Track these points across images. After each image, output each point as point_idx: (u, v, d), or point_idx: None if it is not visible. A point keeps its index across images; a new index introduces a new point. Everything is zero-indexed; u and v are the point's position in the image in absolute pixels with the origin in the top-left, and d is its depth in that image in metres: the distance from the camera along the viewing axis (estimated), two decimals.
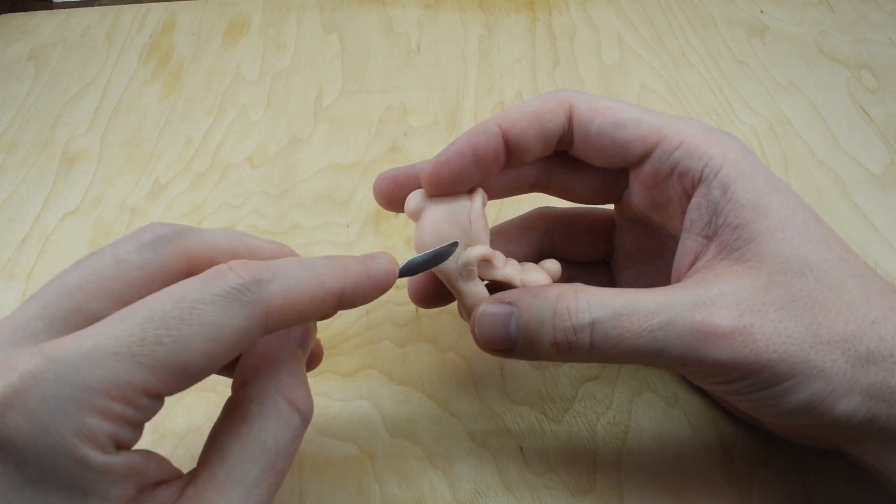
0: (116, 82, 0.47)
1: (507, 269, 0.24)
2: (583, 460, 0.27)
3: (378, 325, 0.32)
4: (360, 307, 0.33)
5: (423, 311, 0.33)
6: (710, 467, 0.27)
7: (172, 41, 0.50)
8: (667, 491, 0.26)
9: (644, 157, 0.24)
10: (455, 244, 0.24)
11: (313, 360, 0.26)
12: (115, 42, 0.50)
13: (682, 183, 0.23)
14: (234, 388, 0.21)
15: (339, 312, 0.33)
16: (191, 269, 0.19)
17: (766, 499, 0.26)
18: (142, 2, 0.54)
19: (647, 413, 0.29)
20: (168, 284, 0.18)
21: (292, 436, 0.20)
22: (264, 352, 0.21)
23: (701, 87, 0.44)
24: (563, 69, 0.46)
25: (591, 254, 0.30)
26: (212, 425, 0.20)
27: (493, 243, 0.27)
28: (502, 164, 0.24)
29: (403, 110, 0.44)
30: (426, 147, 0.41)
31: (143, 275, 0.19)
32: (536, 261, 0.27)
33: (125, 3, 0.54)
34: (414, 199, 0.25)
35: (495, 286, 0.25)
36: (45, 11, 0.54)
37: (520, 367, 0.30)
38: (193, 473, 0.19)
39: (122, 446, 0.17)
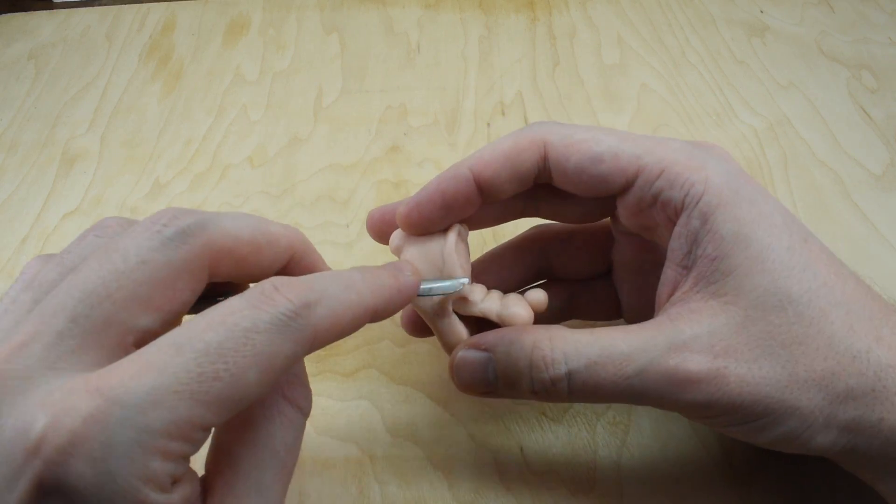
0: (116, 82, 0.47)
1: (486, 302, 0.24)
2: (583, 460, 0.27)
3: (378, 325, 0.32)
4: None
5: None
6: (710, 467, 0.27)
7: (172, 41, 0.50)
8: (667, 491, 0.26)
9: (627, 188, 0.23)
10: (463, 281, 0.24)
11: None
12: (115, 42, 0.50)
13: (666, 212, 0.22)
14: None
15: None
16: (213, 263, 0.19)
17: (766, 499, 0.26)
18: (142, 2, 0.54)
19: (647, 413, 0.29)
20: (192, 281, 0.18)
21: (297, 434, 0.20)
22: None
23: (701, 87, 0.44)
24: (563, 69, 0.46)
25: (591, 269, 0.29)
26: None
27: (488, 269, 0.28)
28: (476, 205, 0.24)
29: (403, 110, 0.44)
30: (426, 147, 0.41)
31: (169, 274, 0.18)
32: (534, 282, 0.27)
33: (125, 3, 0.54)
34: (394, 238, 0.26)
35: (477, 320, 0.25)
36: (45, 11, 0.54)
37: None
38: (207, 485, 0.18)
39: (176, 481, 0.16)
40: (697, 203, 0.21)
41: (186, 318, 0.18)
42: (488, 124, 0.42)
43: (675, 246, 0.22)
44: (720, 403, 0.20)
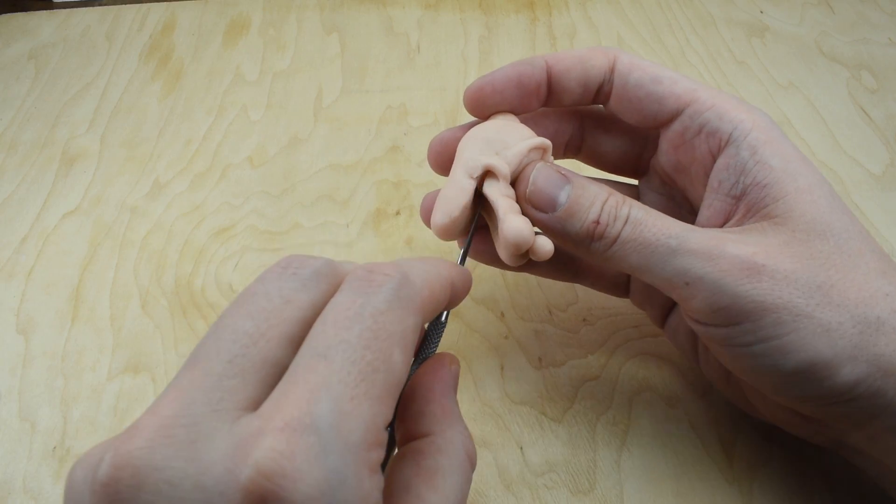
0: (116, 82, 0.47)
1: (503, 200, 0.24)
2: (583, 460, 0.27)
3: None
4: None
5: None
6: (710, 467, 0.27)
7: (172, 41, 0.50)
8: (667, 491, 0.26)
9: (675, 115, 0.24)
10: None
11: (455, 383, 0.23)
12: (115, 42, 0.50)
13: (709, 143, 0.23)
14: (408, 434, 0.20)
15: None
16: None
17: (766, 499, 0.26)
18: (142, 2, 0.54)
19: (647, 413, 0.29)
20: None
21: (468, 488, 0.20)
22: (437, 397, 0.20)
23: None
24: None
25: (617, 161, 0.29)
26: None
27: (527, 120, 0.27)
28: (543, 98, 0.25)
29: (403, 110, 0.44)
30: (426, 147, 0.41)
31: (314, 314, 0.17)
32: (561, 152, 0.27)
33: (125, 3, 0.54)
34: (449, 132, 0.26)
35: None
36: (45, 11, 0.54)
37: (520, 367, 0.30)
38: None
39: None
40: (747, 136, 0.22)
41: None
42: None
43: (723, 177, 0.23)
44: (748, 298, 0.20)
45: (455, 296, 0.21)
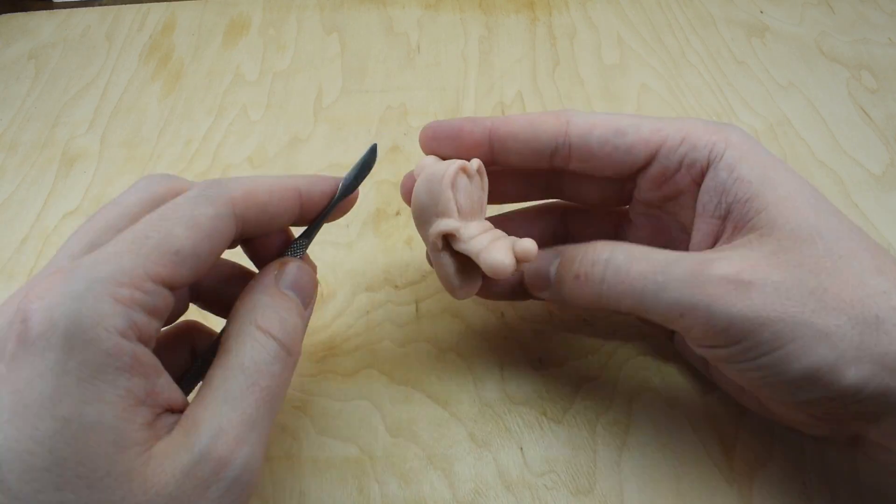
0: (116, 82, 0.47)
1: (472, 242, 0.24)
2: (583, 460, 0.27)
3: (378, 325, 0.32)
4: (361, 307, 0.33)
5: (423, 310, 0.33)
6: (710, 467, 0.27)
7: (172, 41, 0.50)
8: (667, 491, 0.26)
9: (650, 160, 0.24)
10: (373, 147, 0.26)
11: (306, 295, 0.24)
12: (115, 42, 0.50)
13: (691, 174, 0.24)
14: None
15: (339, 313, 0.33)
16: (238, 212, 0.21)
17: (766, 499, 0.26)
18: (142, 2, 0.54)
19: (647, 413, 0.29)
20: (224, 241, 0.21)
21: (271, 357, 0.20)
22: (245, 294, 0.22)
23: (701, 88, 0.44)
24: (563, 69, 0.46)
25: (600, 199, 0.29)
26: None
27: (506, 225, 0.28)
28: (485, 154, 0.26)
29: (403, 110, 0.44)
30: None
31: (222, 240, 0.21)
32: (551, 243, 0.27)
33: (125, 3, 0.54)
34: (426, 158, 0.27)
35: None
36: (45, 11, 0.54)
37: (520, 367, 0.30)
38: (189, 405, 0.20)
39: (142, 339, 0.18)
40: (722, 157, 0.23)
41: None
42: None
43: (706, 200, 0.23)
44: (742, 317, 0.20)
45: (308, 196, 0.24)
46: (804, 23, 0.49)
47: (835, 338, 0.20)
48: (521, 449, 0.28)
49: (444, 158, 0.26)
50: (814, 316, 0.20)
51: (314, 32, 0.50)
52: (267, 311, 0.22)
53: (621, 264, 0.22)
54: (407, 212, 0.37)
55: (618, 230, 0.30)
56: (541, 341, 0.31)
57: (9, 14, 0.53)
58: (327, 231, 0.37)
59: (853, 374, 0.20)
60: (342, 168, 0.40)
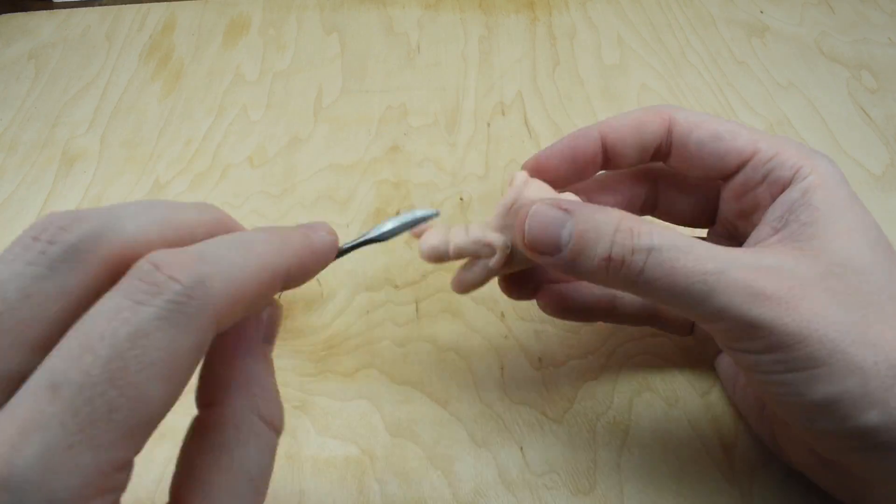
0: (116, 82, 0.47)
1: (452, 242, 0.24)
2: (583, 460, 0.27)
3: (378, 325, 0.32)
4: (361, 307, 0.33)
5: (423, 310, 0.33)
6: (710, 467, 0.27)
7: (172, 41, 0.50)
8: (667, 491, 0.26)
9: (738, 168, 0.24)
10: (436, 213, 0.24)
11: (271, 333, 0.20)
12: (115, 42, 0.50)
13: (772, 190, 0.24)
14: (200, 403, 0.18)
15: (339, 313, 0.33)
16: (118, 279, 0.15)
17: (766, 499, 0.26)
18: (142, 2, 0.54)
19: (647, 413, 0.29)
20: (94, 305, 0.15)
21: (272, 456, 0.18)
22: (230, 359, 0.18)
23: (701, 87, 0.44)
24: (563, 69, 0.46)
25: (692, 215, 0.29)
26: None
27: (596, 190, 0.28)
28: (598, 166, 0.26)
29: (403, 110, 0.44)
30: (426, 147, 0.41)
31: (64, 307, 0.14)
32: (637, 212, 0.27)
33: (125, 3, 0.54)
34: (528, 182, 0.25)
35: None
36: (45, 11, 0.54)
37: (520, 367, 0.30)
38: None
39: None
40: (804, 180, 0.23)
41: None
42: (488, 124, 0.42)
43: (772, 210, 0.23)
44: (785, 329, 0.19)
45: (294, 279, 0.18)
46: (804, 23, 0.49)
47: (867, 374, 0.19)
48: (521, 449, 0.28)
49: (558, 178, 0.26)
50: (852, 347, 0.19)
51: (314, 32, 0.50)
52: (266, 392, 0.18)
53: (665, 258, 0.20)
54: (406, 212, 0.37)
55: (710, 201, 0.28)
56: (541, 341, 0.31)
57: (9, 14, 0.53)
58: None
59: (874, 416, 0.19)
60: (342, 168, 0.40)
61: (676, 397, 0.29)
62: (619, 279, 0.21)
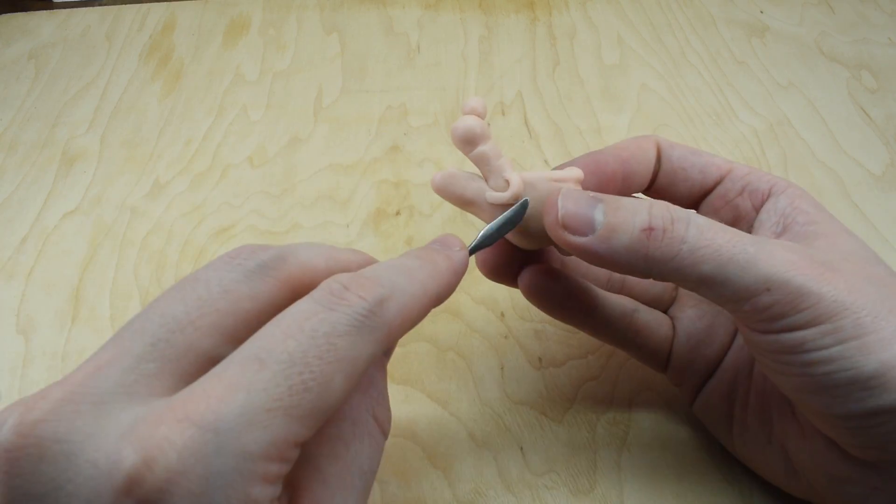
0: (116, 82, 0.47)
1: (480, 146, 0.23)
2: (583, 460, 0.27)
3: None
4: None
5: None
6: (710, 467, 0.27)
7: (172, 41, 0.50)
8: (667, 491, 0.26)
9: (719, 181, 0.26)
10: (525, 202, 0.23)
11: (390, 346, 0.23)
12: (115, 42, 0.50)
13: (752, 199, 0.25)
14: None
15: None
16: (294, 297, 0.18)
17: (766, 499, 0.26)
18: (142, 2, 0.54)
19: (647, 413, 0.29)
20: (275, 315, 0.17)
21: (380, 455, 0.19)
22: None
23: (701, 87, 0.44)
24: (563, 69, 0.46)
25: (654, 293, 0.29)
26: None
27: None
28: (619, 185, 0.26)
29: (403, 110, 0.44)
30: (426, 147, 0.41)
31: (253, 307, 0.17)
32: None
33: (125, 3, 0.54)
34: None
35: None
36: (45, 11, 0.54)
37: (520, 367, 0.30)
38: (293, 497, 0.17)
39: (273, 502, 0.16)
40: (784, 191, 0.24)
41: None
42: (488, 124, 0.42)
43: (764, 218, 0.24)
44: (829, 298, 0.19)
45: (441, 301, 0.20)
46: (804, 23, 0.49)
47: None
48: (521, 449, 0.28)
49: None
50: (891, 315, 0.19)
51: (314, 32, 0.50)
52: (381, 396, 0.20)
53: (704, 226, 0.21)
54: (407, 212, 0.37)
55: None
56: (541, 341, 0.31)
57: (9, 14, 0.53)
58: (327, 231, 0.37)
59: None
60: (342, 168, 0.40)
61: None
62: (660, 252, 0.21)
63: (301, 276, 0.19)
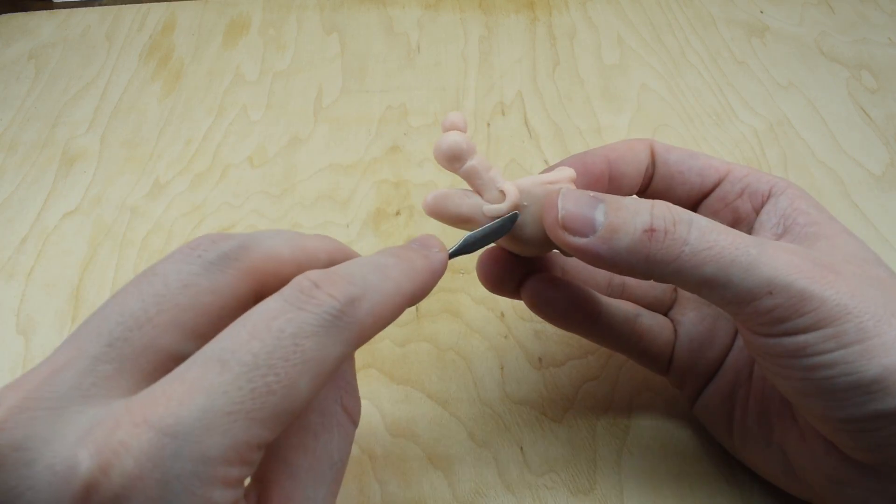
0: (116, 82, 0.47)
1: (468, 161, 0.23)
2: (583, 460, 0.27)
3: None
4: None
5: (423, 310, 0.33)
6: (710, 467, 0.27)
7: (172, 41, 0.50)
8: (667, 491, 0.26)
9: (717, 184, 0.25)
10: (515, 216, 0.23)
11: None
12: (115, 42, 0.50)
13: (752, 201, 0.25)
14: None
15: None
16: (259, 289, 0.18)
17: (766, 499, 0.26)
18: (142, 2, 0.54)
19: (647, 413, 0.29)
20: (238, 308, 0.17)
21: (350, 446, 0.19)
22: None
23: (701, 88, 0.44)
24: (563, 69, 0.46)
25: (654, 295, 0.29)
26: None
27: None
28: (605, 185, 0.26)
29: (403, 110, 0.44)
30: (426, 147, 0.41)
31: (214, 300, 0.17)
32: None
33: (125, 3, 0.54)
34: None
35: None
36: (45, 11, 0.54)
37: (520, 367, 0.30)
38: (262, 491, 0.17)
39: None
40: (784, 192, 0.24)
41: None
42: (488, 124, 0.42)
43: (764, 219, 0.24)
44: (832, 302, 0.19)
45: (416, 300, 0.20)
46: (804, 23, 0.49)
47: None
48: (521, 449, 0.28)
49: None
50: (893, 319, 0.19)
51: (314, 32, 0.50)
52: (349, 386, 0.20)
53: (706, 228, 0.20)
54: (407, 212, 0.37)
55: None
56: (541, 341, 0.31)
57: (9, 14, 0.53)
58: (327, 231, 0.37)
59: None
60: (342, 168, 0.40)
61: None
62: (661, 253, 0.20)
63: (265, 266, 0.18)
